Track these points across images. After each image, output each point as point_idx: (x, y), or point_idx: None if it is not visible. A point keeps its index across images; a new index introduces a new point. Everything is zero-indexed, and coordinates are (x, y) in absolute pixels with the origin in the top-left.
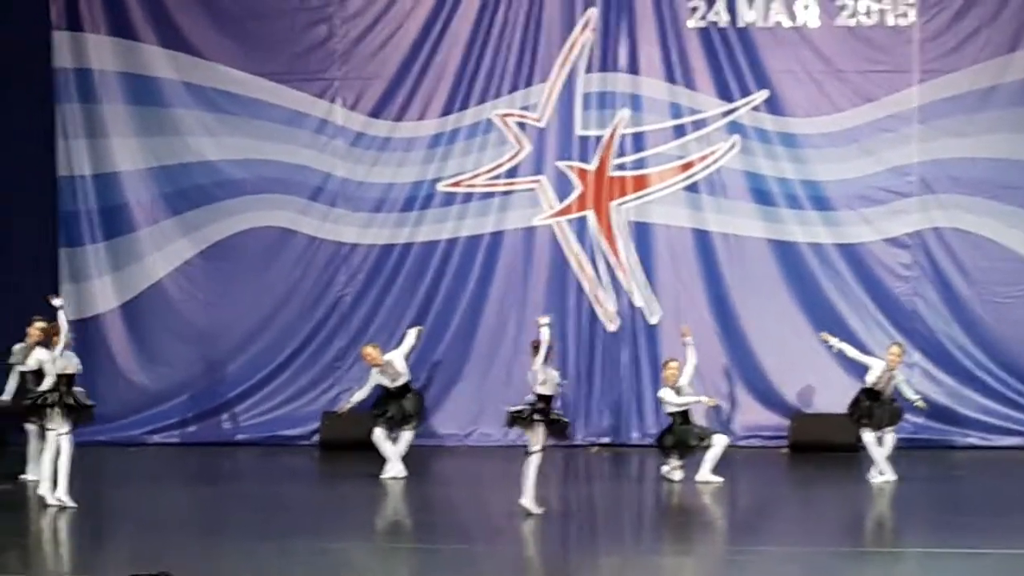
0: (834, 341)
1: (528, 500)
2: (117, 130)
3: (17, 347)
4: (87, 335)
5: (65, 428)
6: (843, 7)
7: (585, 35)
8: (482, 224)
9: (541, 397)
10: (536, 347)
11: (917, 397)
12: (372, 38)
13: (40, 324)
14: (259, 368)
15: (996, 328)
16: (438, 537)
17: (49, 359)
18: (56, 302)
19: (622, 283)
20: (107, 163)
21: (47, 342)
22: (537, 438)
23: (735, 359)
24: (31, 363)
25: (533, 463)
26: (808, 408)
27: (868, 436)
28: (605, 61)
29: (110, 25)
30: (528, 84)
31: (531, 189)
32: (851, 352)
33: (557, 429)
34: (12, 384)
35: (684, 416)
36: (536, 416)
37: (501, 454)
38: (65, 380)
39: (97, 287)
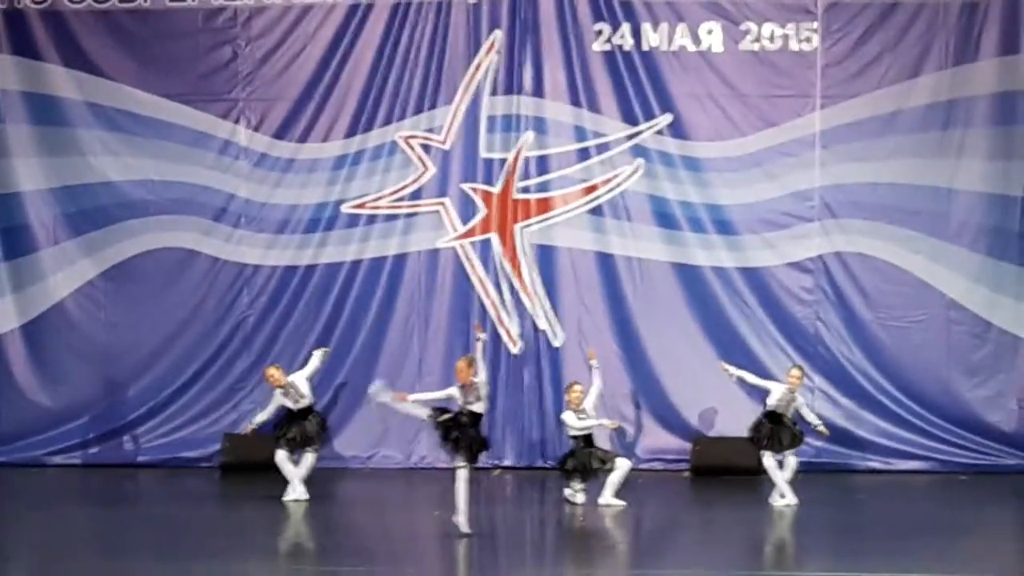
0: (732, 370)
1: (461, 518)
2: (19, 150)
3: None
4: None
5: None
6: (747, 32)
7: (490, 57)
8: (386, 246)
9: (471, 414)
10: (470, 363)
11: (818, 422)
12: (276, 59)
13: None
14: (161, 389)
15: (896, 352)
16: (340, 559)
17: None
18: None
19: (526, 306)
20: (9, 183)
21: None
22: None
23: (637, 382)
24: None
25: (462, 478)
26: (710, 431)
27: (769, 460)
28: (510, 84)
29: (13, 44)
30: (433, 106)
31: (435, 211)
32: (751, 379)
33: (471, 451)
34: None
35: (587, 439)
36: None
37: (403, 476)
38: None
39: None
